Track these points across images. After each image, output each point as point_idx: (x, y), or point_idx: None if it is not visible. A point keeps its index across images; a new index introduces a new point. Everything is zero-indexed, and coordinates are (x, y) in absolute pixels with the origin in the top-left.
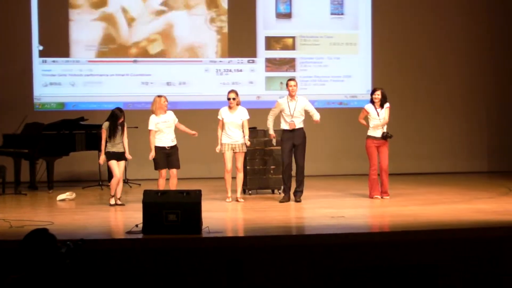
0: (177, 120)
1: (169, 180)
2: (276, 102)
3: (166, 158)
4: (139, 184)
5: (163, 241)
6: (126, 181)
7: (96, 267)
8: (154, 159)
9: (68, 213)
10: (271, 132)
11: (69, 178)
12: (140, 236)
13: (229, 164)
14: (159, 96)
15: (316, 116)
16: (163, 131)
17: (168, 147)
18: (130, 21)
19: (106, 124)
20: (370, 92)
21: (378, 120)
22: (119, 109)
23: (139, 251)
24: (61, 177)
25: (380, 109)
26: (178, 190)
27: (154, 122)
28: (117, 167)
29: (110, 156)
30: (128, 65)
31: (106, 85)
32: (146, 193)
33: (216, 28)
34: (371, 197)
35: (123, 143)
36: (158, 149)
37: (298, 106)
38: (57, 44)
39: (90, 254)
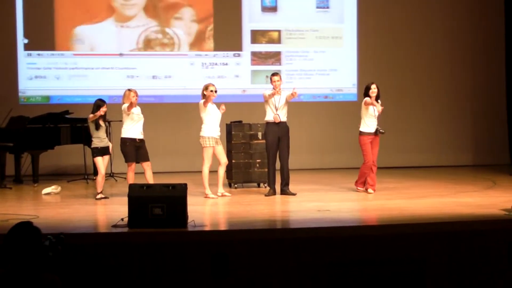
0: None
1: (145, 174)
2: (263, 94)
3: (136, 151)
4: (125, 178)
5: (149, 235)
6: (111, 175)
7: (81, 260)
8: (124, 152)
9: (53, 206)
10: (271, 92)
11: (54, 172)
12: (125, 230)
13: (211, 159)
14: (129, 90)
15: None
16: (135, 121)
17: (138, 139)
18: (116, 14)
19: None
20: (355, 85)
21: (373, 116)
22: (101, 100)
23: (125, 245)
24: (46, 170)
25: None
26: (164, 184)
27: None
28: (102, 164)
29: (98, 152)
30: (113, 59)
31: (91, 79)
32: (132, 187)
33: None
34: (355, 185)
35: (108, 137)
36: (129, 140)
37: (282, 100)
38: (42, 37)
39: (76, 248)
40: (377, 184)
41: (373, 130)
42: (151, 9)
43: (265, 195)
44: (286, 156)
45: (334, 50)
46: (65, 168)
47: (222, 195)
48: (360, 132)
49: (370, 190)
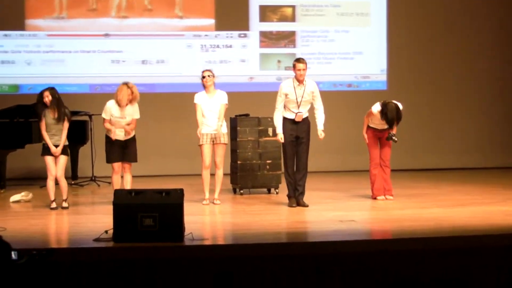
0: (137, 116)
1: (123, 177)
2: (279, 87)
3: (121, 149)
4: (109, 183)
5: (138, 250)
6: (93, 179)
7: (57, 280)
8: (106, 150)
9: (23, 217)
10: (280, 130)
11: (24, 175)
12: (110, 244)
13: (207, 159)
14: (127, 86)
15: (320, 118)
16: (116, 125)
17: (122, 140)
18: None
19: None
20: (384, 71)
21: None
22: (48, 88)
23: (109, 262)
24: (15, 174)
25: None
26: (156, 190)
27: (109, 112)
28: (53, 164)
29: (45, 150)
30: (96, 40)
31: (69, 64)
32: (118, 193)
33: None
34: (374, 197)
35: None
36: (111, 139)
37: (307, 93)
38: (10, 15)
39: (51, 266)
40: (409, 189)
41: (382, 128)
42: None
43: (289, 206)
44: (305, 159)
45: (360, 30)
46: (38, 171)
47: (213, 202)
48: (368, 126)
49: (388, 197)
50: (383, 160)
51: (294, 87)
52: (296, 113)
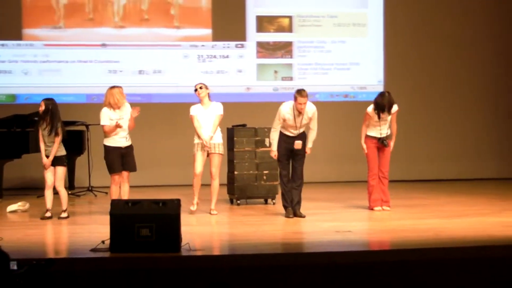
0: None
1: (121, 186)
2: (279, 110)
3: (121, 158)
4: (106, 193)
5: (135, 261)
6: (90, 189)
7: None
8: (107, 162)
9: (20, 227)
10: (274, 148)
11: (21, 185)
12: (107, 254)
13: (199, 167)
14: (118, 87)
15: (311, 136)
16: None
17: (123, 147)
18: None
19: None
20: (381, 82)
21: (378, 123)
22: (45, 99)
23: (106, 273)
24: (11, 183)
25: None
26: (153, 200)
27: (107, 117)
28: (51, 174)
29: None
30: (93, 50)
31: (66, 74)
32: (114, 203)
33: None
34: (371, 208)
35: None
36: (112, 149)
37: (305, 119)
38: (7, 24)
39: (48, 276)
40: (405, 200)
41: (379, 135)
42: None
43: (286, 217)
44: (300, 170)
45: (356, 40)
46: (34, 181)
47: (210, 212)
48: (365, 135)
49: (385, 207)
50: (382, 171)
51: (294, 116)
52: (295, 142)
